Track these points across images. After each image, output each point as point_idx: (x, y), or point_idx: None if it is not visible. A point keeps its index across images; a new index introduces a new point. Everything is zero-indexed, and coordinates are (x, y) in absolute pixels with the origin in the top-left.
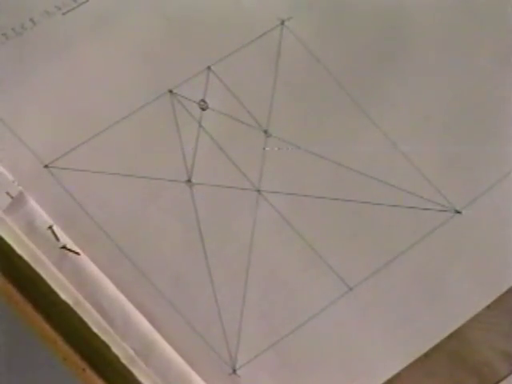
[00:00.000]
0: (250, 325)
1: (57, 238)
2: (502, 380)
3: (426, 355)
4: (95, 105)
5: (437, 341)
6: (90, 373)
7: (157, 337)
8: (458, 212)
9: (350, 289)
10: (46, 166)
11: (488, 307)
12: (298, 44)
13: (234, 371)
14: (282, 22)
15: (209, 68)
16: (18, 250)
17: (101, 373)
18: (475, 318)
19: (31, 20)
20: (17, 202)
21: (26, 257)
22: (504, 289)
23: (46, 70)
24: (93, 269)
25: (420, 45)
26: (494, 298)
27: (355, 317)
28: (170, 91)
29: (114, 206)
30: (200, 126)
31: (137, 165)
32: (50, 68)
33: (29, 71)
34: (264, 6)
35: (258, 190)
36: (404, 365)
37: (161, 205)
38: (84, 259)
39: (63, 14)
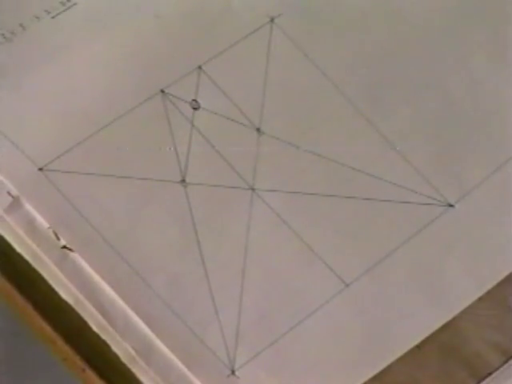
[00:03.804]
0: (247, 325)
1: (57, 238)
2: (493, 371)
3: (418, 347)
4: (87, 106)
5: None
6: (89, 373)
7: (156, 337)
8: (451, 206)
9: (347, 285)
10: (40, 169)
11: (479, 299)
12: (288, 41)
13: (233, 372)
14: (272, 20)
15: (200, 67)
16: (19, 249)
17: (101, 373)
18: (467, 310)
19: (21, 25)
20: (18, 201)
21: (26, 256)
22: (497, 281)
23: (38, 74)
24: (93, 268)
25: (412, 43)
26: (486, 290)
27: (352, 313)
28: (162, 91)
29: (109, 207)
30: (192, 125)
31: (130, 166)
32: (41, 72)
33: (20, 76)
34: (253, 3)
35: (253, 189)
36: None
37: (155, 206)
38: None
39: (52, 17)
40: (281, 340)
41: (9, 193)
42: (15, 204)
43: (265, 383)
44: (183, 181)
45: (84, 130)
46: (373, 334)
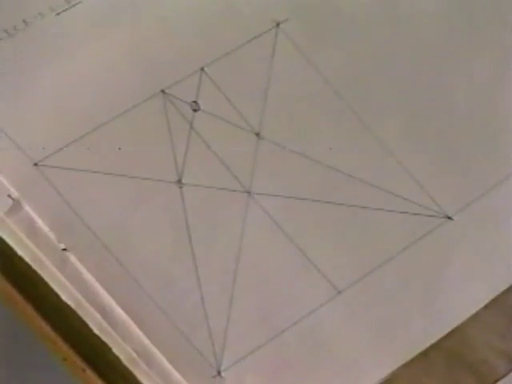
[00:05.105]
0: (236, 328)
1: (58, 240)
2: (500, 379)
3: (424, 354)
4: (87, 104)
5: (426, 345)
6: (89, 373)
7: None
8: (450, 218)
9: (339, 292)
10: (35, 164)
11: (485, 307)
12: (293, 47)
13: (219, 373)
14: (278, 24)
15: (202, 69)
16: (20, 252)
17: (101, 373)
18: (473, 318)
19: (24, 21)
20: (18, 204)
21: (27, 258)
22: (494, 295)
23: (38, 71)
24: (85, 266)
25: (416, 51)
26: (483, 304)
27: (343, 320)
28: (163, 91)
29: (103, 205)
30: (191, 127)
31: (127, 164)
32: (42, 68)
33: (20, 72)
34: (260, 7)
35: (249, 192)
36: (392, 368)
37: (150, 205)
38: None
39: (57, 14)
40: (269, 344)
41: (9, 195)
42: (16, 206)
43: None
44: (179, 181)
45: (82, 127)
46: (363, 342)
